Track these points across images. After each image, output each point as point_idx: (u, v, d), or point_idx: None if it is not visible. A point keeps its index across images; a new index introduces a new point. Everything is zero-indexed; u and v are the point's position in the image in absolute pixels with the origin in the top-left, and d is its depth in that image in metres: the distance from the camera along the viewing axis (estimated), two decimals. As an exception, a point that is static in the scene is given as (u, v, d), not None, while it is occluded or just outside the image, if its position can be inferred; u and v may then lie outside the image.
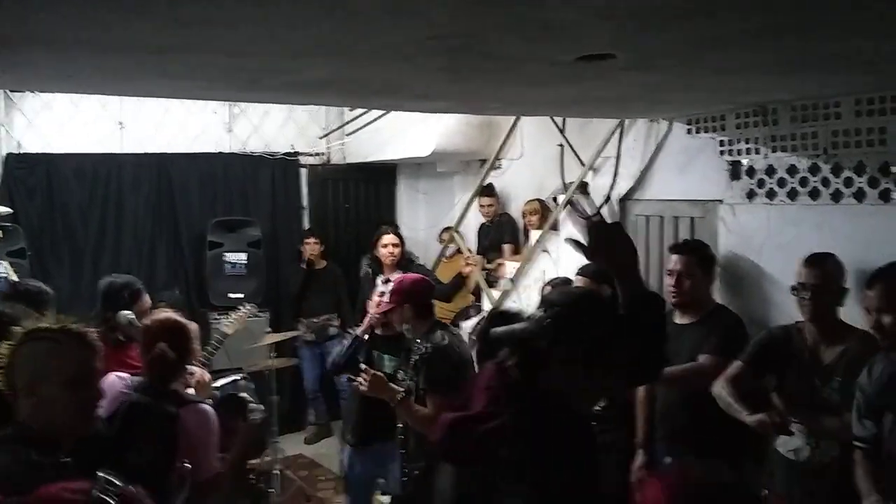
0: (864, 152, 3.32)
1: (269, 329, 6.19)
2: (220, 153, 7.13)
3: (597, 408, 4.00)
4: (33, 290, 3.43)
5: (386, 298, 3.94)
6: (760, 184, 3.80)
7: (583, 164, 4.97)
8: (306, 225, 7.63)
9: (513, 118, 5.72)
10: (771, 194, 3.75)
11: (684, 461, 3.40)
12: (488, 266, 6.24)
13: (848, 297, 3.11)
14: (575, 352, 2.00)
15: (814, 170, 3.55)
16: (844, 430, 2.82)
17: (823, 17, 1.91)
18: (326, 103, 6.52)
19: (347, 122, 7.26)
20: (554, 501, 2.00)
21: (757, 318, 3.66)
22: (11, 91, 6.15)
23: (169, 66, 2.50)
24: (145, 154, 6.78)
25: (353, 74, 2.69)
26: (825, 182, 3.51)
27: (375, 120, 6.45)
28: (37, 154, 6.38)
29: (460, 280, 5.93)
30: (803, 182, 3.60)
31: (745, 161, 3.88)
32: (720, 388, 3.16)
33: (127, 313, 3.79)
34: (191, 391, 3.32)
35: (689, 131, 4.14)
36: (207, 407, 3.06)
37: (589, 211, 4.54)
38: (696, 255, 3.66)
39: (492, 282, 5.96)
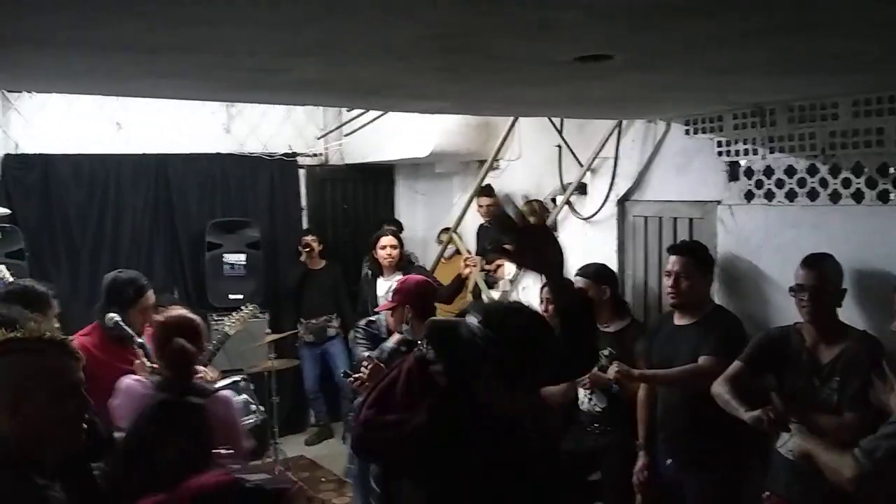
0: (862, 153, 3.31)
1: (268, 330, 6.19)
2: (218, 154, 7.12)
3: (597, 409, 4.02)
4: (31, 292, 3.41)
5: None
6: (758, 184, 3.80)
7: (581, 164, 4.97)
8: (305, 226, 7.63)
9: (511, 119, 5.71)
10: (769, 195, 3.75)
11: None
12: (487, 267, 6.23)
13: (845, 298, 3.11)
14: (506, 367, 2.04)
15: (812, 171, 3.55)
16: (843, 430, 2.82)
17: (821, 18, 1.91)
18: (324, 104, 6.51)
19: (345, 123, 7.25)
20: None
21: (755, 319, 3.66)
22: (8, 91, 6.14)
23: (166, 67, 2.49)
24: (143, 155, 6.77)
25: (351, 74, 2.68)
26: (823, 183, 3.51)
27: (373, 120, 6.44)
28: (34, 154, 6.36)
29: (460, 282, 5.92)
30: (801, 183, 3.60)
31: (743, 162, 3.88)
32: (719, 387, 3.17)
33: (113, 315, 3.77)
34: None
35: (687, 132, 4.14)
36: (228, 393, 3.27)
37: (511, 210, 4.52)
38: (695, 255, 3.67)
39: (491, 282, 5.96)
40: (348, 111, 7.05)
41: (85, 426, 1.94)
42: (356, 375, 3.61)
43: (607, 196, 4.69)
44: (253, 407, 5.25)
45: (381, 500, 2.75)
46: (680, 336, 3.63)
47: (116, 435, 3.03)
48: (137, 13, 1.78)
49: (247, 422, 5.13)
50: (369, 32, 2.00)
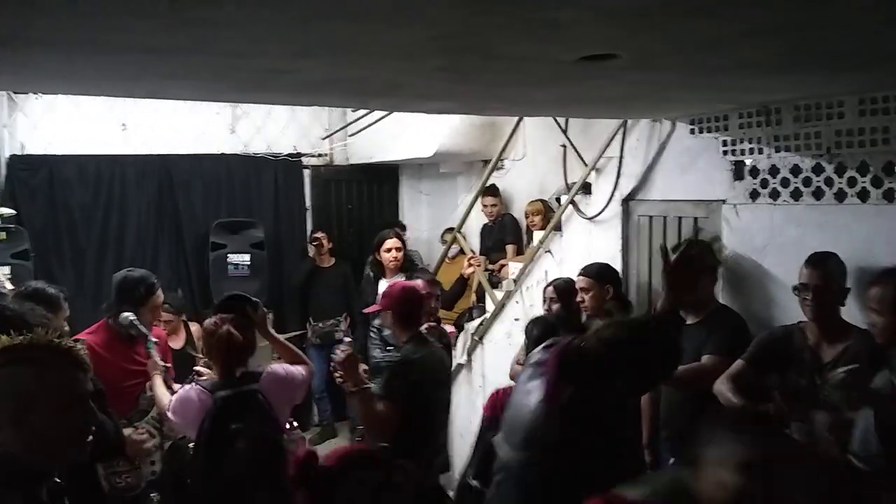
0: (868, 152, 3.31)
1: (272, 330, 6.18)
2: (223, 154, 7.14)
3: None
4: (42, 294, 3.42)
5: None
6: (764, 184, 3.80)
7: (586, 164, 4.97)
8: (309, 225, 7.64)
9: (515, 118, 5.71)
10: (774, 194, 3.74)
11: None
12: (491, 266, 6.24)
13: (850, 297, 3.11)
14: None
15: (817, 170, 3.54)
16: (844, 429, 2.82)
17: (825, 16, 1.91)
18: (329, 104, 6.51)
19: (350, 123, 7.26)
20: None
21: (760, 318, 3.65)
22: (14, 93, 6.16)
23: (171, 67, 2.50)
24: (148, 155, 6.79)
25: (355, 75, 2.68)
26: (829, 182, 3.50)
27: (378, 121, 6.46)
28: (40, 155, 6.39)
29: (462, 285, 5.91)
30: (807, 182, 3.60)
31: (748, 161, 3.87)
32: (721, 385, 3.17)
33: (128, 315, 3.78)
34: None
35: (692, 131, 4.13)
36: (275, 365, 3.53)
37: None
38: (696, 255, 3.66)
39: (495, 282, 5.96)
40: (353, 111, 7.06)
41: (91, 437, 1.90)
42: (337, 351, 3.60)
43: (612, 195, 4.68)
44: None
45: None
46: (684, 335, 3.62)
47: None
48: (144, 14, 1.78)
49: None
50: (374, 33, 2.00)
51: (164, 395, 3.59)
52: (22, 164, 6.32)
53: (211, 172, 7.09)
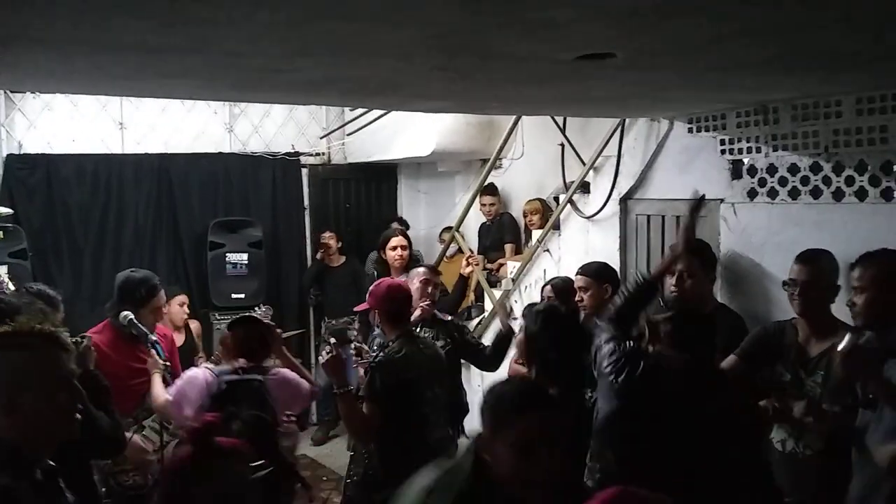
0: (866, 151, 3.31)
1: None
2: (221, 153, 7.13)
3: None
4: (43, 295, 3.42)
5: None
6: (762, 183, 3.80)
7: (584, 163, 4.97)
8: (308, 224, 7.63)
9: (513, 117, 5.71)
10: (772, 193, 3.75)
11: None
12: (489, 266, 6.24)
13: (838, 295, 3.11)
14: None
15: (815, 168, 3.55)
16: (825, 424, 2.86)
17: (823, 16, 1.91)
18: (326, 103, 6.53)
19: (348, 122, 7.26)
20: None
21: (758, 317, 3.65)
22: (12, 92, 6.15)
23: (168, 66, 2.50)
24: (146, 154, 6.78)
25: (353, 74, 2.68)
26: (826, 181, 3.50)
27: (376, 119, 6.45)
28: (37, 154, 6.37)
29: (463, 286, 5.89)
30: (804, 181, 3.60)
31: (746, 160, 3.87)
32: None
33: (127, 314, 3.78)
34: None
35: (690, 130, 4.13)
36: (284, 371, 3.63)
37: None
38: (698, 254, 3.66)
39: (493, 281, 5.96)
40: (351, 110, 7.06)
41: (78, 416, 1.96)
42: (326, 348, 3.60)
43: (610, 194, 4.68)
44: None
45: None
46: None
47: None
48: (141, 14, 1.78)
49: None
50: (372, 32, 2.00)
51: (162, 394, 3.59)
52: (20, 163, 6.30)
53: (209, 171, 7.07)
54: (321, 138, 7.60)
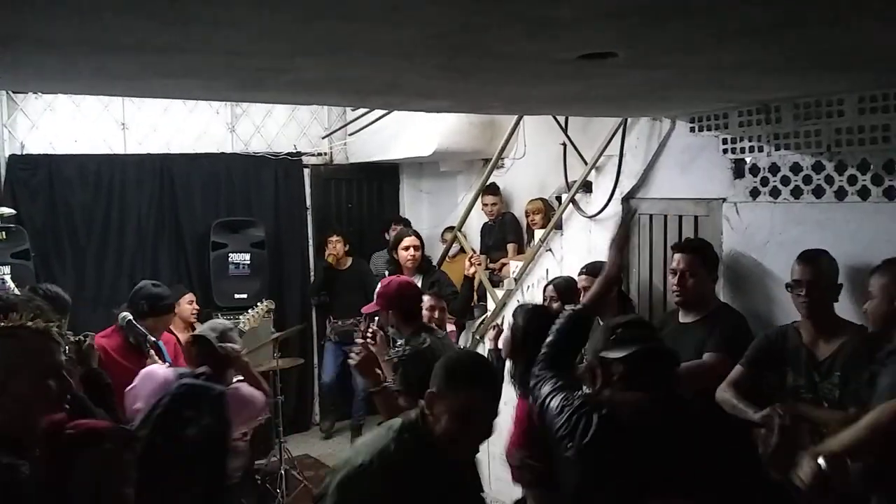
0: (868, 150, 3.30)
1: (273, 330, 6.19)
2: (223, 153, 7.13)
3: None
4: (50, 296, 3.44)
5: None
6: (764, 182, 3.79)
7: (586, 162, 4.96)
8: (310, 225, 7.64)
9: (515, 117, 5.70)
10: (774, 192, 3.74)
11: None
12: (492, 265, 6.24)
13: (851, 295, 3.11)
14: None
15: (817, 168, 3.54)
16: (847, 424, 2.82)
17: (826, 14, 1.90)
18: (328, 103, 6.52)
19: (350, 122, 7.26)
20: None
21: (760, 316, 3.65)
22: (14, 92, 6.16)
23: (170, 66, 2.50)
24: (148, 154, 6.78)
25: (355, 74, 2.68)
26: (829, 180, 3.50)
27: (378, 119, 6.45)
28: (40, 155, 6.38)
29: (469, 287, 5.88)
30: (807, 180, 3.59)
31: (748, 159, 3.87)
32: (723, 393, 3.17)
33: (126, 315, 3.78)
34: None
35: (692, 129, 4.13)
36: (245, 388, 3.53)
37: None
38: (700, 253, 3.66)
39: (495, 281, 5.95)
40: (353, 110, 7.06)
41: (67, 406, 2.06)
42: (354, 350, 3.59)
43: (612, 194, 4.68)
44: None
45: None
46: (684, 333, 3.62)
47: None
48: (143, 14, 1.78)
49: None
50: (373, 32, 2.00)
51: None
52: (22, 164, 6.31)
53: (211, 172, 7.08)
54: (323, 138, 7.61)
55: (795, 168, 3.64)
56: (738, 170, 3.92)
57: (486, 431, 2.29)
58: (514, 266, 5.66)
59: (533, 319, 3.34)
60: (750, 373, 3.19)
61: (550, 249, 5.27)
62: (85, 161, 6.55)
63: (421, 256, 5.66)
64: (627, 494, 2.31)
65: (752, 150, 3.82)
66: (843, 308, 3.13)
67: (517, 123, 5.80)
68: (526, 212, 6.06)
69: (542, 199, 5.94)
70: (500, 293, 5.65)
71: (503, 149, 5.97)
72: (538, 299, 4.82)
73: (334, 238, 6.98)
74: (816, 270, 3.06)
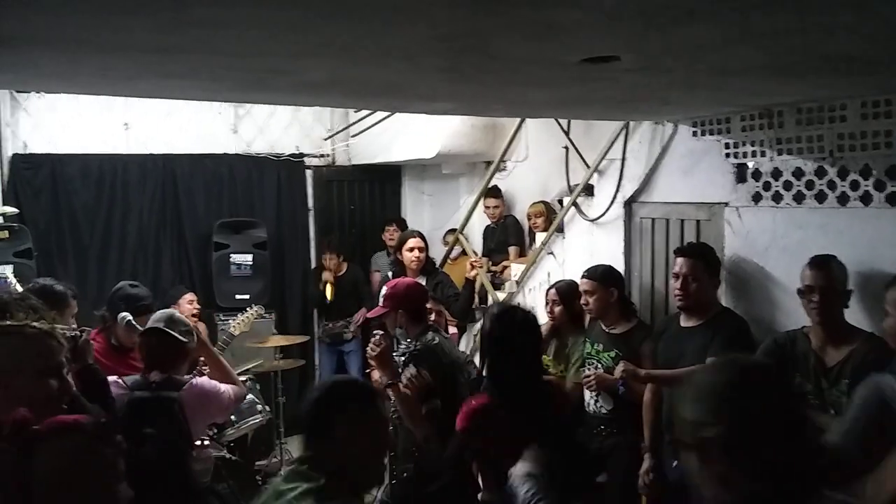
0: (871, 155, 3.30)
1: (275, 331, 6.19)
2: (226, 154, 7.14)
3: (604, 411, 4.01)
4: (48, 290, 3.43)
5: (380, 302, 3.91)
6: (766, 186, 3.79)
7: (588, 166, 4.97)
8: (312, 226, 7.63)
9: (518, 120, 5.71)
10: (777, 197, 3.74)
11: None
12: (493, 268, 6.23)
13: (852, 301, 3.10)
14: None
15: (820, 172, 3.54)
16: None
17: (827, 20, 1.90)
18: (330, 104, 6.51)
19: (352, 124, 7.26)
20: None
21: (762, 321, 3.65)
22: (17, 92, 6.16)
23: (173, 67, 2.50)
24: (150, 155, 6.79)
25: (357, 75, 2.68)
26: (831, 185, 3.50)
27: (380, 121, 6.45)
28: (42, 154, 6.39)
29: (470, 290, 5.88)
30: (809, 185, 3.59)
31: (750, 163, 3.87)
32: None
33: (125, 315, 3.77)
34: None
35: (694, 133, 4.13)
36: (200, 379, 3.38)
37: None
38: (702, 257, 3.66)
39: (497, 284, 5.95)
40: (355, 112, 7.05)
41: (65, 406, 2.06)
42: (371, 343, 3.58)
43: (614, 197, 4.68)
44: (259, 407, 5.26)
45: None
46: (686, 338, 3.62)
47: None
48: (147, 14, 1.78)
49: (253, 422, 5.15)
50: (376, 34, 2.00)
51: None
52: (25, 163, 6.32)
53: (213, 172, 7.08)
54: (326, 140, 7.61)
55: (798, 173, 3.64)
56: (741, 174, 3.92)
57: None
58: (516, 269, 5.66)
59: (496, 319, 3.24)
60: None
61: (552, 252, 5.27)
62: (88, 161, 6.55)
63: (426, 258, 5.67)
64: None
65: (754, 154, 3.82)
66: (849, 314, 3.13)
67: (519, 126, 5.81)
68: (528, 215, 6.06)
69: (544, 202, 5.94)
70: (501, 296, 5.65)
71: (505, 151, 5.98)
72: (540, 302, 4.82)
73: (327, 256, 6.95)
74: (828, 276, 3.05)
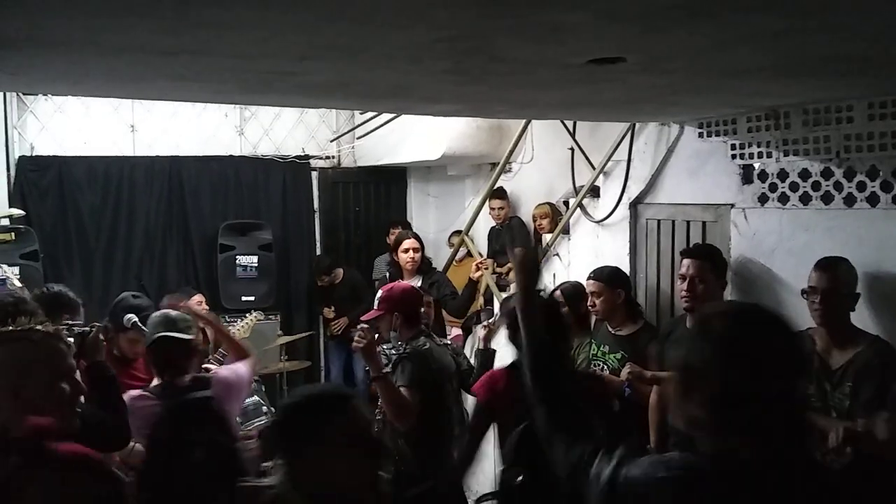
0: (877, 156, 3.29)
1: (280, 332, 6.20)
2: (231, 156, 7.16)
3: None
4: (63, 297, 3.43)
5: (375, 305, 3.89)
6: (772, 188, 3.78)
7: (593, 167, 4.96)
8: (317, 227, 7.65)
9: (523, 121, 5.70)
10: (783, 198, 3.73)
11: None
12: (499, 269, 6.22)
13: (859, 303, 3.09)
14: None
15: (826, 174, 3.53)
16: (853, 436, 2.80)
17: (834, 21, 1.90)
18: (336, 106, 6.53)
19: (358, 126, 7.27)
20: None
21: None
22: (24, 94, 6.19)
23: (179, 69, 2.51)
24: (156, 157, 6.81)
25: (364, 77, 2.69)
26: (838, 186, 3.48)
27: (386, 123, 6.46)
28: (49, 157, 6.42)
29: (472, 289, 5.88)
30: (815, 186, 3.58)
31: (756, 165, 3.85)
32: None
33: (131, 317, 3.77)
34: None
35: (700, 135, 4.12)
36: (223, 370, 3.43)
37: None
38: (708, 259, 3.64)
39: (502, 285, 5.94)
40: (361, 114, 7.07)
41: (78, 410, 2.03)
42: (358, 334, 3.55)
43: (620, 199, 4.67)
44: (264, 409, 5.26)
45: None
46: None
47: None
48: (153, 17, 1.79)
49: (258, 423, 5.14)
50: (382, 36, 2.00)
51: None
52: (31, 165, 6.35)
53: (219, 174, 7.11)
54: (331, 141, 7.62)
55: (804, 174, 3.62)
56: (747, 175, 3.91)
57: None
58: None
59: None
60: None
61: (558, 254, 5.26)
62: (94, 163, 6.58)
63: (421, 258, 5.69)
64: None
65: (760, 155, 3.81)
66: (857, 317, 3.11)
67: (525, 127, 5.80)
68: (533, 216, 6.05)
69: (549, 204, 5.93)
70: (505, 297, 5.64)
71: (511, 153, 5.97)
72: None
73: (324, 276, 7.04)
74: (832, 278, 3.03)
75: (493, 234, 6.65)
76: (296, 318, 7.23)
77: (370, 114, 6.67)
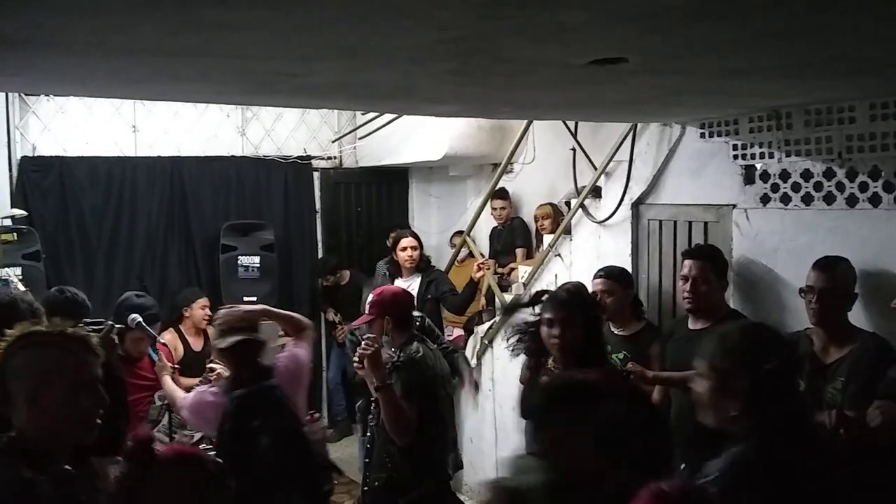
0: (880, 157, 3.29)
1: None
2: (233, 157, 7.16)
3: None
4: (73, 301, 3.45)
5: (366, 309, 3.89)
6: (774, 188, 3.78)
7: (595, 167, 4.96)
8: (319, 228, 7.65)
9: (525, 122, 5.70)
10: (785, 199, 3.73)
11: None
12: (500, 270, 6.23)
13: (859, 302, 3.09)
14: None
15: (828, 174, 3.53)
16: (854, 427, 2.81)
17: (836, 21, 1.90)
18: (337, 107, 6.53)
19: (360, 126, 7.27)
20: None
21: (770, 324, 3.63)
22: (26, 95, 6.19)
23: (181, 70, 2.51)
24: (158, 157, 6.81)
25: (366, 78, 2.68)
26: (840, 187, 3.48)
27: (388, 123, 6.46)
28: (51, 157, 6.41)
29: (472, 289, 5.89)
30: (818, 187, 3.58)
31: (758, 165, 3.86)
32: None
33: (135, 317, 3.78)
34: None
35: (702, 135, 4.12)
36: (284, 354, 3.50)
37: None
38: (711, 259, 3.65)
39: (504, 286, 5.95)
40: (363, 114, 7.07)
41: (99, 421, 1.98)
42: (362, 344, 3.58)
43: (621, 199, 4.67)
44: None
45: None
46: (694, 340, 3.60)
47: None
48: (156, 17, 1.79)
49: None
50: (384, 36, 2.00)
51: (176, 390, 3.65)
52: (33, 166, 6.34)
53: (221, 175, 7.10)
54: (333, 142, 7.62)
55: (806, 175, 3.63)
56: (749, 176, 3.91)
57: None
58: (523, 271, 5.65)
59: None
60: None
61: (559, 254, 5.26)
62: (96, 163, 6.58)
63: (419, 257, 5.70)
64: None
65: (762, 156, 3.81)
66: (853, 314, 3.11)
67: (527, 128, 5.80)
68: (535, 216, 6.06)
69: (551, 204, 5.93)
70: (508, 298, 5.64)
71: (513, 153, 5.97)
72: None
73: (329, 278, 7.09)
74: (829, 278, 3.04)
75: (494, 235, 6.66)
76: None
77: (372, 114, 6.67)
